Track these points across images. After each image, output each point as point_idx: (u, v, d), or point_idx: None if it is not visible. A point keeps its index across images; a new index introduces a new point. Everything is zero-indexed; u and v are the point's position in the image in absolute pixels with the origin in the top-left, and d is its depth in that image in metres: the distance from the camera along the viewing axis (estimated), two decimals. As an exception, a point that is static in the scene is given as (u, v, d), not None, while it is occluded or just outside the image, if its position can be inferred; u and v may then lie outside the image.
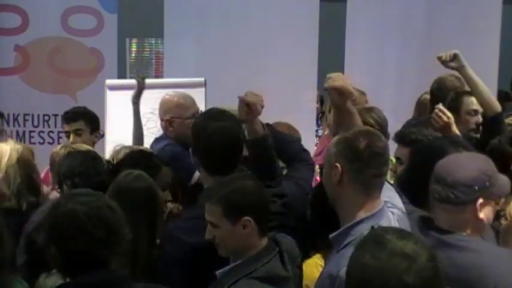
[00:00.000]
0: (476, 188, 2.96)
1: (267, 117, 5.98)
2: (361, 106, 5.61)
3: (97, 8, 7.53)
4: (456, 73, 5.41)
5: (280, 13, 7.42)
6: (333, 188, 3.03)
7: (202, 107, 5.89)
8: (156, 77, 9.22)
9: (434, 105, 4.95)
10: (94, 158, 4.20)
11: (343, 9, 7.57)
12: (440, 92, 5.75)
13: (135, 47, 9.81)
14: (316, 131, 8.12)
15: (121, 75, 8.29)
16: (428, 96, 6.06)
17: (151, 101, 6.78)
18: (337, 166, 2.97)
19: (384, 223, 2.92)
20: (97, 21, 7.53)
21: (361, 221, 2.93)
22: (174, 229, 3.49)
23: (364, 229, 2.82)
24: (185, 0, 7.54)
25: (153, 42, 9.75)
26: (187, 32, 7.48)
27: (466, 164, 3.03)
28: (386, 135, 4.63)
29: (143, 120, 6.57)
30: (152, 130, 6.32)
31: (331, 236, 2.98)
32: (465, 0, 7.61)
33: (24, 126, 7.60)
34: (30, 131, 7.55)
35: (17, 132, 7.61)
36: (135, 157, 4.23)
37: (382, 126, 4.74)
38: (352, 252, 2.18)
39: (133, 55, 9.82)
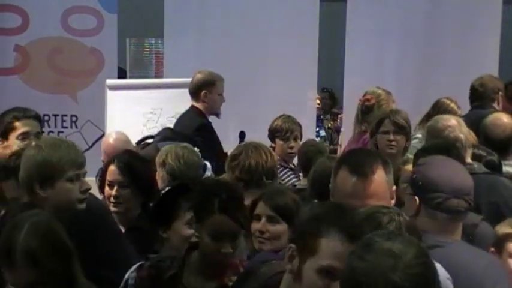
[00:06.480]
0: None
1: (267, 117, 6.01)
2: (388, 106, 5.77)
3: (97, 8, 7.52)
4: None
5: (280, 13, 7.42)
6: None
7: (202, 107, 5.94)
8: (156, 77, 9.20)
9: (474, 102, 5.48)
10: None
11: (343, 9, 7.57)
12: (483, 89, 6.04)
13: (135, 47, 9.79)
14: (317, 131, 8.12)
15: (121, 75, 8.29)
16: None
17: (151, 101, 6.79)
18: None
19: None
20: (97, 21, 7.52)
21: None
22: None
23: None
24: (185, 0, 7.55)
25: (153, 42, 9.73)
26: (187, 32, 7.48)
27: (461, 171, 3.10)
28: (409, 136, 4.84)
29: (143, 120, 6.57)
30: (152, 130, 6.32)
31: None
32: (465, 0, 7.61)
33: (24, 126, 7.58)
34: (30, 131, 7.53)
35: (17, 132, 7.59)
36: None
37: (410, 127, 4.92)
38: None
39: (133, 55, 9.80)
